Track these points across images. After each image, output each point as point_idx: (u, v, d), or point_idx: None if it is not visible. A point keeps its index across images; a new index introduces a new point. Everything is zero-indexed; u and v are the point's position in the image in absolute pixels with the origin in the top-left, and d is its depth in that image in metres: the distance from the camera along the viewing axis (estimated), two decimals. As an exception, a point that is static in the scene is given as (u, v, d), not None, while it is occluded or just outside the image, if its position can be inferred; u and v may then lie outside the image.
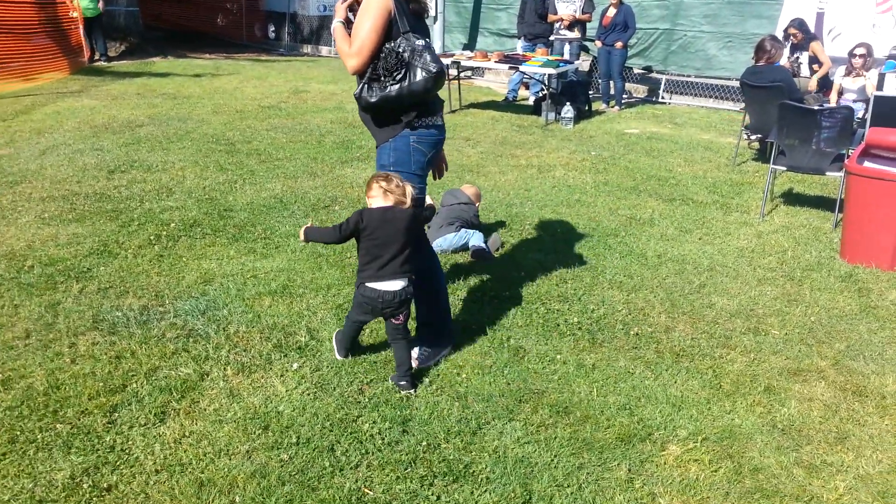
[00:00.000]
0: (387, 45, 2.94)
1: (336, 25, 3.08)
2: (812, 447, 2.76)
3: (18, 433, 2.61)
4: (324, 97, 10.58)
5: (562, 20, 10.08)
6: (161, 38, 17.23)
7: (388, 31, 2.94)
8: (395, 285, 2.98)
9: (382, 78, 2.96)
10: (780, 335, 3.65)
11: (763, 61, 6.81)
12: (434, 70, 2.92)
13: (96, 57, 13.60)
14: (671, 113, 10.23)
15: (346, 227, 2.99)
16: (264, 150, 7.18)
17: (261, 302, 3.76)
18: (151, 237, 4.64)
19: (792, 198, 6.16)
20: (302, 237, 3.09)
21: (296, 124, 8.55)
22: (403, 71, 2.92)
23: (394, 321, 3.04)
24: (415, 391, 3.01)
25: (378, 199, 2.97)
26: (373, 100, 2.97)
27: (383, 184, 2.96)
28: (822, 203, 5.94)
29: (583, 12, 10.01)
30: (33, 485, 2.36)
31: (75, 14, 12.82)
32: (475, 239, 4.52)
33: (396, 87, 2.93)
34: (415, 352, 3.22)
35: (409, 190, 2.99)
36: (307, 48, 17.26)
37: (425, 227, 4.22)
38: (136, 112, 9.00)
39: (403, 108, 3.01)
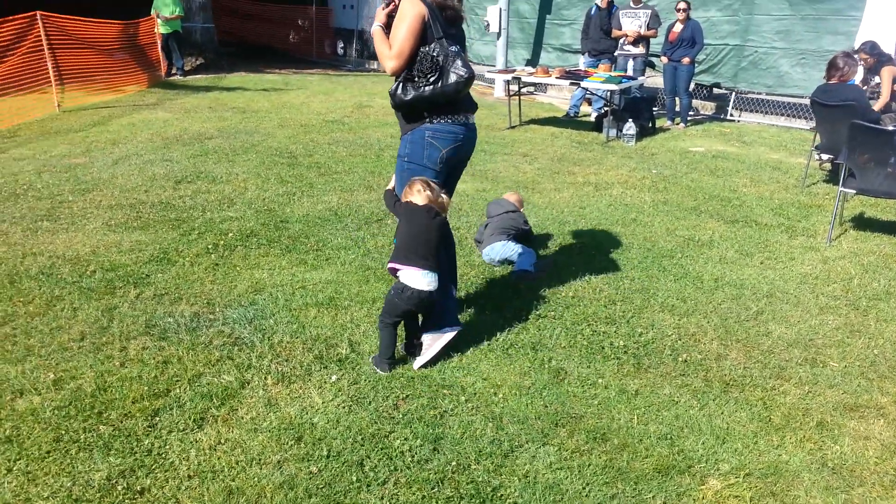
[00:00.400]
0: (422, 49, 3.13)
1: (376, 29, 3.26)
2: (864, 489, 2.60)
3: (63, 432, 2.71)
4: (386, 112, 10.71)
5: (626, 36, 9.94)
6: (235, 54, 17.81)
7: (424, 35, 3.12)
8: (431, 284, 3.17)
9: (417, 79, 3.18)
10: (838, 368, 3.47)
11: (836, 79, 6.54)
12: (465, 75, 3.13)
13: (173, 71, 14.17)
14: (740, 131, 9.93)
15: (394, 206, 3.38)
16: (324, 164, 7.32)
17: (306, 313, 3.81)
18: (209, 246, 4.77)
19: (863, 222, 5.87)
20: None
21: (357, 138, 8.68)
22: (437, 74, 3.12)
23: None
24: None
25: (418, 198, 3.21)
26: (407, 98, 3.18)
27: (428, 192, 3.19)
28: (895, 229, 5.65)
29: (648, 28, 9.84)
30: (72, 483, 2.44)
31: (158, 31, 13.45)
32: (521, 262, 4.43)
33: (430, 88, 3.14)
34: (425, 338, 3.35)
35: (446, 201, 3.26)
36: (374, 64, 17.55)
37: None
38: (206, 125, 9.32)
39: (434, 106, 3.21)
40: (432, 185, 3.23)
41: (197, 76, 14.50)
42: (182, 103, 11.04)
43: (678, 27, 9.47)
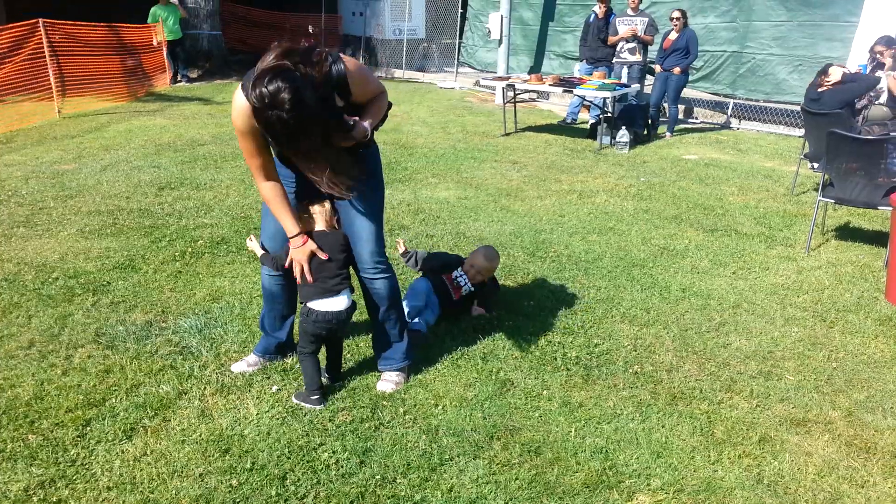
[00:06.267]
0: None
1: (368, 123, 2.75)
2: (797, 508, 2.53)
3: (-9, 442, 2.71)
4: (384, 118, 10.70)
5: (624, 40, 9.86)
6: (243, 62, 17.92)
7: None
8: (341, 304, 2.99)
9: None
10: (793, 381, 3.39)
11: (826, 86, 6.47)
12: None
13: (178, 78, 14.28)
14: (736, 139, 9.82)
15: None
16: (310, 171, 7.31)
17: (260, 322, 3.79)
18: (177, 253, 4.78)
19: (846, 232, 5.77)
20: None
21: (349, 145, 8.67)
22: None
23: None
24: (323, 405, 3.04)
25: (322, 223, 2.97)
26: None
27: (317, 207, 2.94)
28: (878, 239, 5.53)
29: (644, 34, 9.77)
30: (-12, 494, 2.44)
31: (159, 39, 13.51)
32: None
33: None
34: (394, 376, 3.22)
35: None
36: (380, 71, 17.59)
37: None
38: (201, 131, 9.38)
39: None
40: (324, 201, 2.94)
41: (202, 83, 14.61)
42: (182, 110, 11.12)
43: (673, 35, 9.38)
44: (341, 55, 2.62)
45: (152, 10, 13.46)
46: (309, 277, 2.89)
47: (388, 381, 3.22)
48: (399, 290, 3.23)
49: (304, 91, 2.34)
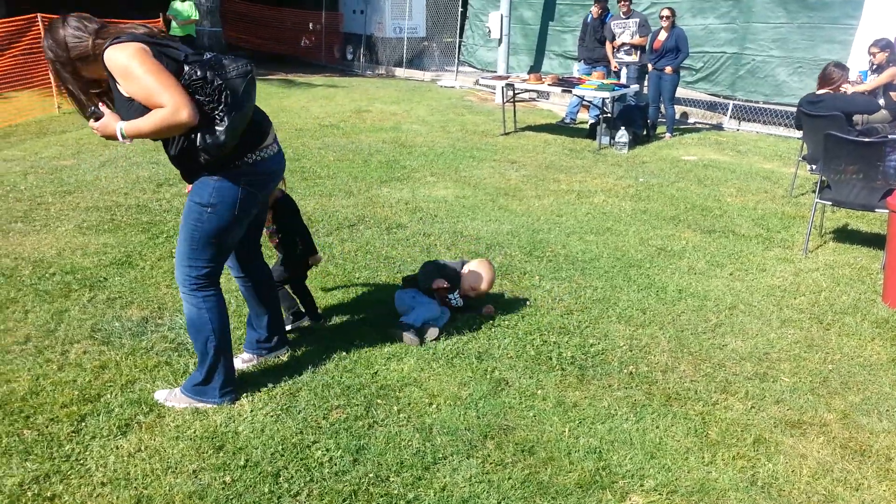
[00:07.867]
0: (183, 80, 2.53)
1: (124, 126, 2.57)
2: (790, 509, 2.54)
3: (-15, 437, 2.71)
4: (383, 117, 10.72)
5: (615, 47, 9.90)
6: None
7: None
8: None
9: (212, 112, 2.55)
10: (788, 383, 3.39)
11: (826, 89, 6.47)
12: (248, 66, 2.60)
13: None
14: (736, 140, 9.82)
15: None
16: (309, 168, 7.32)
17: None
18: (173, 250, 4.76)
19: (844, 234, 5.77)
20: None
21: (348, 143, 8.67)
22: (225, 92, 2.54)
23: None
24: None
25: None
26: (223, 139, 2.55)
27: None
28: (876, 241, 5.52)
29: (639, 36, 9.77)
30: (-18, 489, 2.44)
31: (174, 33, 13.50)
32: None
33: (234, 112, 2.55)
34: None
35: None
36: (381, 69, 17.60)
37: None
38: (200, 128, 9.35)
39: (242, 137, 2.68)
40: None
41: (201, 80, 14.56)
42: (181, 107, 11.09)
43: (662, 35, 9.37)
44: (122, 42, 2.50)
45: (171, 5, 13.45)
46: None
47: (169, 393, 3.01)
48: (207, 324, 2.89)
49: (57, 36, 2.60)
